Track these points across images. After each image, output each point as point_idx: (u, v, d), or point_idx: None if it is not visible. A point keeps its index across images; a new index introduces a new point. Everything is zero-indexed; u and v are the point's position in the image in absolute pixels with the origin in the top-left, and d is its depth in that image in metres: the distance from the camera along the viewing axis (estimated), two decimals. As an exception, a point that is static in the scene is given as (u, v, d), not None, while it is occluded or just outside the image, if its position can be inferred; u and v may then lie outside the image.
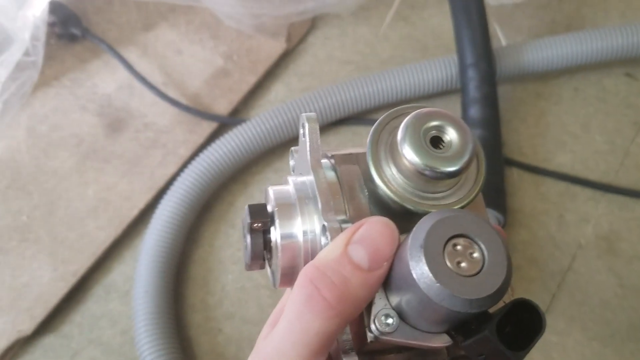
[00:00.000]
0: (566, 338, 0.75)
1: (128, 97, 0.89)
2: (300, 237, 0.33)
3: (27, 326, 0.75)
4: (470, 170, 0.32)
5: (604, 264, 0.79)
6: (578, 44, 0.87)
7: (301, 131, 0.35)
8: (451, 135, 0.30)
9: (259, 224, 0.33)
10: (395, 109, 0.33)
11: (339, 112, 0.85)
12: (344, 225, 0.31)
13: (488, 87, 0.82)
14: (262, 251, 0.34)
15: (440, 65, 0.86)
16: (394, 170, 0.31)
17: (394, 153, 0.31)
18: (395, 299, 0.29)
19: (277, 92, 0.91)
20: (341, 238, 0.30)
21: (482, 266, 0.27)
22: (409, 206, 0.31)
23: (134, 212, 0.81)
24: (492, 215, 0.77)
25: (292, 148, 0.38)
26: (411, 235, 0.28)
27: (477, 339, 0.27)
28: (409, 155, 0.30)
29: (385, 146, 0.32)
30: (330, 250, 0.30)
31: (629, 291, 0.78)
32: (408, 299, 0.28)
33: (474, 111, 0.81)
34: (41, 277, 0.77)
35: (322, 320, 0.28)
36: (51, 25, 0.88)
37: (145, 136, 0.86)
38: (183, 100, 0.88)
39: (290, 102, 0.84)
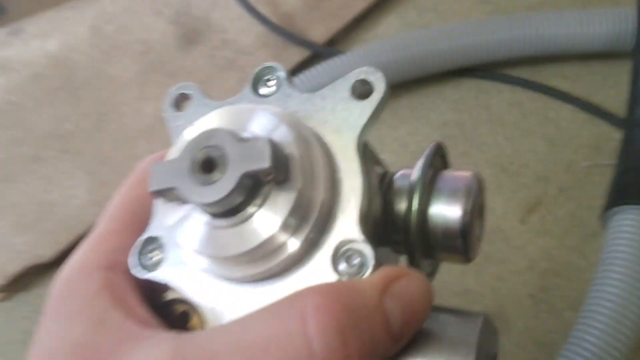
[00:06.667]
0: None
1: (210, 6, 0.75)
2: None
3: (48, 251, 0.63)
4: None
5: None
6: None
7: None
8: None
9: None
10: None
11: (461, 59, 0.67)
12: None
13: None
14: None
15: (609, 17, 0.65)
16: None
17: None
18: None
19: (389, 26, 0.74)
20: (378, 282, 0.23)
21: None
22: None
23: (193, 140, 0.68)
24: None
25: None
26: None
27: None
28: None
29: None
30: (366, 291, 0.22)
31: None
32: None
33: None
34: (73, 198, 0.65)
35: None
36: None
37: (223, 55, 0.72)
38: (273, 18, 0.73)
39: (403, 37, 0.67)
